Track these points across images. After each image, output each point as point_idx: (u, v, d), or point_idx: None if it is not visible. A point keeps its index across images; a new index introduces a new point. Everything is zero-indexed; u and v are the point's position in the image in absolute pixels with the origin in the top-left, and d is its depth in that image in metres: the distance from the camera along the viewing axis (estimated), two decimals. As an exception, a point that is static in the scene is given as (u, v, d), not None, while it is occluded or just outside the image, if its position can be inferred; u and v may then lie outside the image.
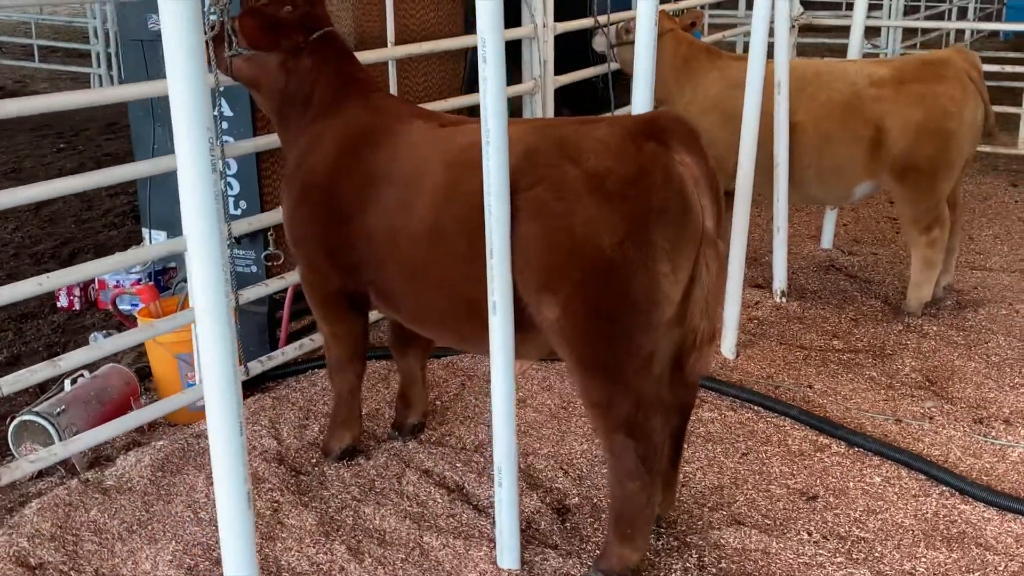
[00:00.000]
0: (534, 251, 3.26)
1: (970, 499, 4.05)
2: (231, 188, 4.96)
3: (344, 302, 3.98)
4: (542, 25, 5.89)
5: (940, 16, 13.79)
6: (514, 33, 5.85)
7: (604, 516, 3.91)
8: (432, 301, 3.64)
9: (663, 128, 3.24)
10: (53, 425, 4.16)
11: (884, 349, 5.45)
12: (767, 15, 5.07)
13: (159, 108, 5.24)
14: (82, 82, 14.42)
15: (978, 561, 3.65)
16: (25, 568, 3.50)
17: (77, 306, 6.25)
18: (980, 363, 5.26)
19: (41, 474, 4.20)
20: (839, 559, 3.66)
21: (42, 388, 4.81)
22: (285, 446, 4.33)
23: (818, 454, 4.38)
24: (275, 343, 5.04)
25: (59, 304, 6.30)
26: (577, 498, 4.04)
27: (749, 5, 9.26)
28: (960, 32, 13.97)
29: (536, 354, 3.71)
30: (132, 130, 5.48)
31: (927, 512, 3.97)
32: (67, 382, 4.44)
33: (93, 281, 6.23)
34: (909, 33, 13.22)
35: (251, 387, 4.78)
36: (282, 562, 3.59)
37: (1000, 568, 3.61)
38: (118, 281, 6.02)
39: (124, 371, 4.65)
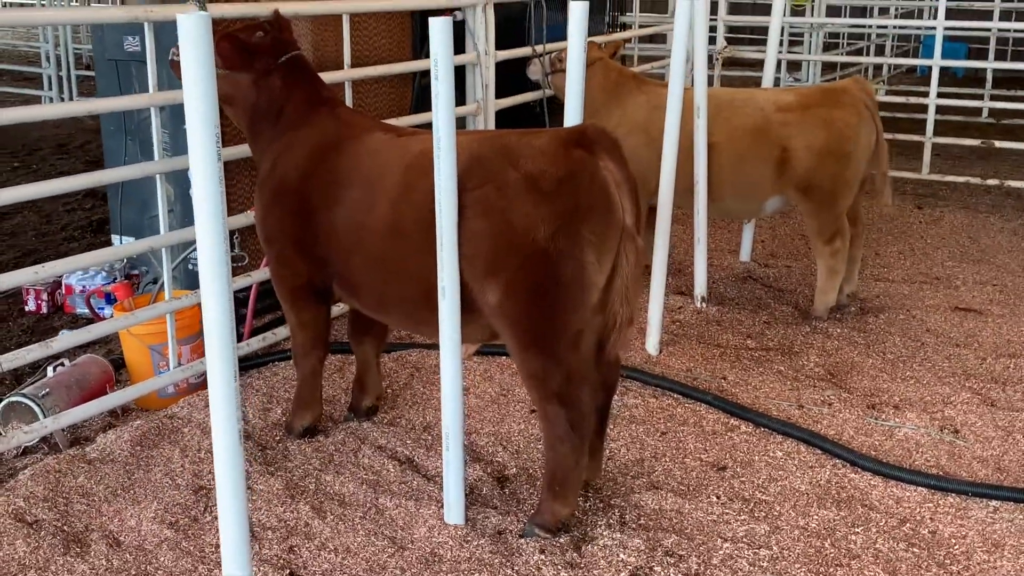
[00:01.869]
0: (480, 242, 3.78)
1: (859, 469, 4.61)
2: (199, 195, 5.41)
3: (310, 293, 4.47)
4: (484, 52, 6.43)
5: (859, 52, 14.64)
6: (459, 59, 6.38)
7: (539, 483, 4.43)
8: (391, 289, 4.14)
9: (590, 138, 3.79)
10: (39, 405, 4.57)
11: (792, 348, 6.04)
12: (684, 45, 5.67)
13: (131, 123, 5.70)
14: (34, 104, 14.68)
15: (863, 518, 4.21)
16: (23, 523, 3.92)
17: (45, 309, 6.62)
18: (877, 359, 5.87)
19: (26, 451, 4.61)
20: (742, 517, 4.20)
21: (17, 379, 5.22)
22: (251, 425, 4.79)
23: (729, 433, 4.93)
24: (239, 337, 5.49)
25: (27, 308, 6.67)
26: (515, 469, 4.55)
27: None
28: (878, 67, 14.80)
29: (480, 336, 4.21)
30: (104, 143, 5.92)
31: (821, 480, 4.53)
32: (49, 369, 4.85)
33: (60, 286, 6.62)
34: (829, 67, 14.02)
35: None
36: (253, 520, 4.05)
37: (881, 524, 4.17)
38: (84, 286, 6.42)
39: (100, 360, 5.07)
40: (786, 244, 8.31)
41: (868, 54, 14.93)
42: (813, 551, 3.97)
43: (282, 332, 5.44)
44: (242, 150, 5.14)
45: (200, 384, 5.15)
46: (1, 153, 11.72)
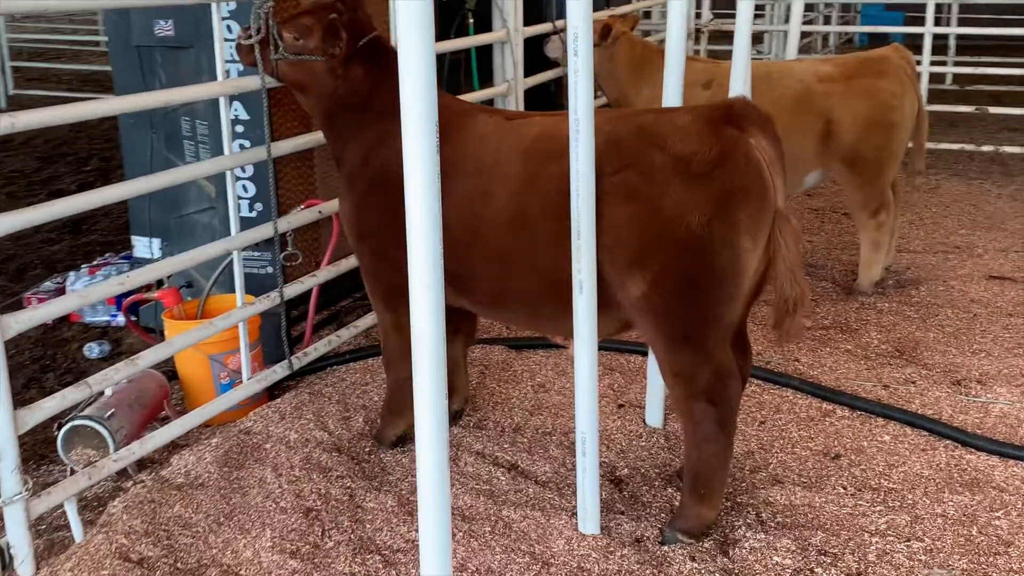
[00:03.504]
0: (623, 231, 3.51)
1: (973, 450, 4.48)
2: (245, 191, 5.03)
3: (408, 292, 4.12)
4: (514, 29, 6.12)
5: (809, 23, 14.64)
6: (487, 38, 6.07)
7: (656, 483, 4.19)
8: (512, 283, 3.84)
9: (739, 114, 3.54)
10: (106, 428, 4.16)
11: (849, 325, 5.90)
12: (683, 17, 5.43)
13: (155, 115, 5.26)
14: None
15: (998, 501, 4.07)
16: (131, 563, 3.54)
17: (50, 321, 6.14)
18: (937, 333, 5.76)
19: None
20: (878, 507, 4.03)
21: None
22: (337, 437, 4.45)
23: (827, 419, 4.76)
24: (291, 343, 5.12)
25: (28, 318, 6.17)
26: (626, 469, 4.30)
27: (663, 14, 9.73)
28: (826, 37, 14.82)
29: (606, 331, 3.93)
30: (122, 138, 5.46)
31: (939, 463, 4.38)
32: (107, 390, 4.43)
33: (64, 292, 6.14)
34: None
35: (274, 385, 4.87)
36: (377, 541, 3.74)
37: (1019, 507, 4.04)
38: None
39: (156, 374, 4.66)
40: (799, 220, 8.18)
41: (823, 22, 14.96)
42: (964, 540, 3.82)
43: (345, 335, 5.07)
44: (294, 143, 4.78)
45: (261, 394, 4.78)
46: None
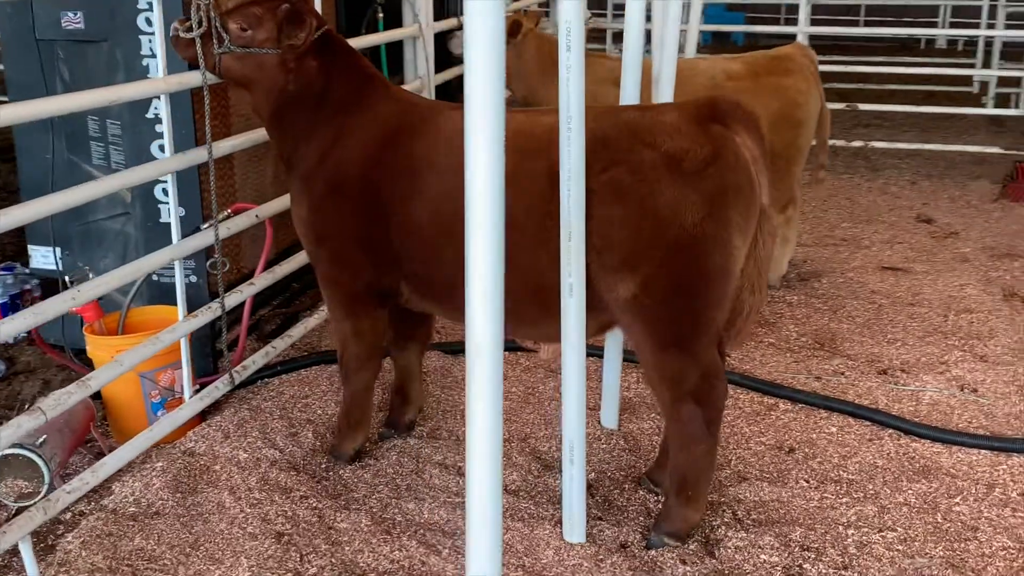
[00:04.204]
0: (615, 231, 3.42)
1: (916, 438, 4.59)
2: (166, 195, 4.70)
3: (371, 297, 3.94)
4: (425, 24, 5.96)
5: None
6: (400, 33, 5.88)
7: (625, 486, 4.13)
8: None
9: (724, 112, 3.50)
10: (40, 457, 3.81)
11: (766, 318, 5.98)
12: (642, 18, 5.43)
13: (57, 116, 4.86)
14: None
15: (953, 487, 4.18)
16: (102, 605, 3.24)
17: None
18: (850, 324, 5.91)
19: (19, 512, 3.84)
20: (844, 499, 4.08)
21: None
22: (289, 454, 4.21)
23: (771, 413, 4.80)
24: (216, 357, 4.83)
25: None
26: (593, 473, 4.22)
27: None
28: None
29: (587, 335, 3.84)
30: (16, 140, 5.03)
31: (889, 452, 4.48)
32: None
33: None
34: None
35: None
36: (360, 563, 3.54)
37: (973, 492, 4.15)
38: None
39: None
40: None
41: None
42: (932, 527, 3.90)
43: (281, 345, 4.80)
44: (232, 143, 4.50)
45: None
46: None
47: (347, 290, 3.94)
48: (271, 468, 4.06)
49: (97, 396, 4.50)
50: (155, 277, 4.74)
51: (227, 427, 4.34)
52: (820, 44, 14.89)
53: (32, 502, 3.83)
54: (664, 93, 5.99)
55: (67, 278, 4.44)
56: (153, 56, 4.50)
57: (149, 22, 4.48)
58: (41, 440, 3.89)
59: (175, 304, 4.60)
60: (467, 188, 2.30)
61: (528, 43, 6.47)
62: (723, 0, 16.94)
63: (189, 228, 4.61)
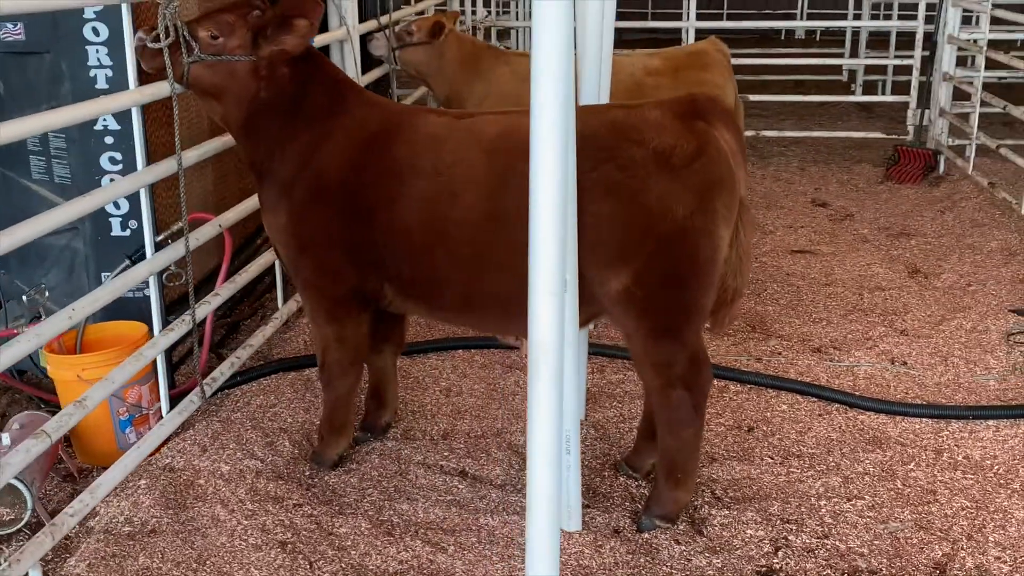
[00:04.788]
0: (607, 226, 3.53)
1: (860, 410, 4.85)
2: (118, 208, 4.60)
3: (354, 302, 3.95)
4: (352, 27, 5.95)
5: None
6: (328, 37, 5.87)
7: (605, 473, 4.26)
8: (485, 284, 3.75)
9: (704, 109, 3.65)
10: (22, 483, 3.71)
11: (696, 305, 6.19)
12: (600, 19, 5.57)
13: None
14: None
15: (906, 455, 4.45)
16: (123, 627, 3.18)
17: None
18: (775, 306, 6.18)
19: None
20: (809, 472, 4.29)
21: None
22: (271, 464, 4.19)
23: (723, 395, 5.00)
24: (173, 370, 4.75)
25: None
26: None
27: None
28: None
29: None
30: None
31: (839, 425, 4.72)
32: (3, 436, 3.93)
33: None
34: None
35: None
36: (370, 567, 3.56)
37: (924, 458, 4.42)
38: None
39: (46, 417, 4.17)
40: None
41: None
42: (895, 494, 4.14)
43: (244, 355, 4.75)
44: (198, 153, 4.43)
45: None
46: None
47: (331, 295, 3.94)
48: (257, 478, 4.04)
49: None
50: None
51: (202, 440, 4.29)
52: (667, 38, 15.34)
53: (14, 529, 3.74)
54: (589, 91, 6.17)
55: (24, 297, 4.31)
56: (101, 67, 4.40)
57: (96, 32, 4.38)
58: (20, 465, 3.78)
59: (128, 319, 4.54)
60: (532, 192, 2.37)
61: (449, 43, 6.53)
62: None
63: (141, 242, 4.54)
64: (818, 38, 17.45)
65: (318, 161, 3.83)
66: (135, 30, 3.89)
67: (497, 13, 11.23)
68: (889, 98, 10.72)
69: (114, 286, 3.72)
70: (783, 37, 17.73)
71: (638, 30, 15.34)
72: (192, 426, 4.40)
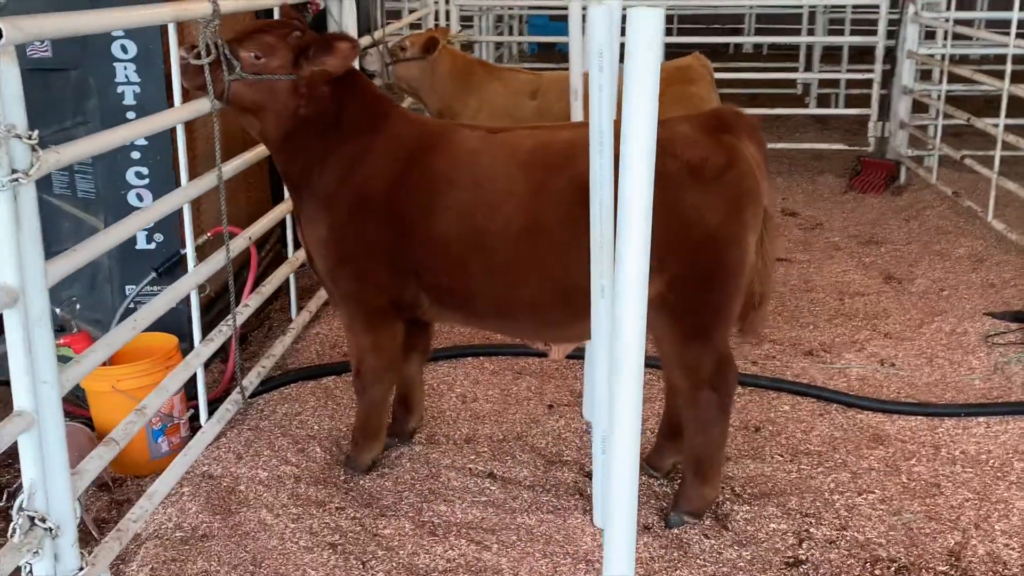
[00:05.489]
0: None
1: (859, 410, 5.08)
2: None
3: (392, 312, 4.08)
4: (352, 43, 6.07)
5: (500, 33, 15.36)
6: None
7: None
8: (522, 292, 3.91)
9: (730, 122, 3.85)
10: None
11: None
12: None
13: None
14: None
15: (907, 452, 4.68)
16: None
17: None
18: (762, 312, 6.40)
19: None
20: (819, 469, 4.50)
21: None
22: (306, 469, 4.29)
23: (727, 397, 5.19)
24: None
25: None
26: (591, 464, 4.49)
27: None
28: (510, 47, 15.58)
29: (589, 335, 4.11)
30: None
31: (842, 424, 4.95)
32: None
33: None
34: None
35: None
36: (420, 566, 3.69)
37: (924, 454, 4.66)
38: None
39: (83, 428, 4.26)
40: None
41: (512, 33, 15.70)
42: (901, 488, 4.37)
43: (268, 364, 4.85)
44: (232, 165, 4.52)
45: (188, 436, 4.49)
46: None
47: (370, 305, 4.07)
48: (297, 484, 4.15)
49: (91, 425, 4.48)
50: (132, 305, 4.70)
51: (236, 448, 4.39)
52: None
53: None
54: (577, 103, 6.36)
55: (56, 310, 4.37)
56: (129, 83, 4.49)
57: (124, 49, 4.47)
58: (67, 474, 3.84)
59: (150, 331, 4.61)
60: (620, 203, 2.54)
61: (442, 58, 6.69)
62: (546, 12, 17.57)
63: (168, 254, 4.63)
64: (764, 52, 17.86)
65: (359, 175, 3.96)
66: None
67: (460, 28, 11.40)
68: (853, 111, 11.06)
69: (168, 297, 3.80)
70: (731, 51, 18.11)
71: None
72: (224, 435, 4.50)
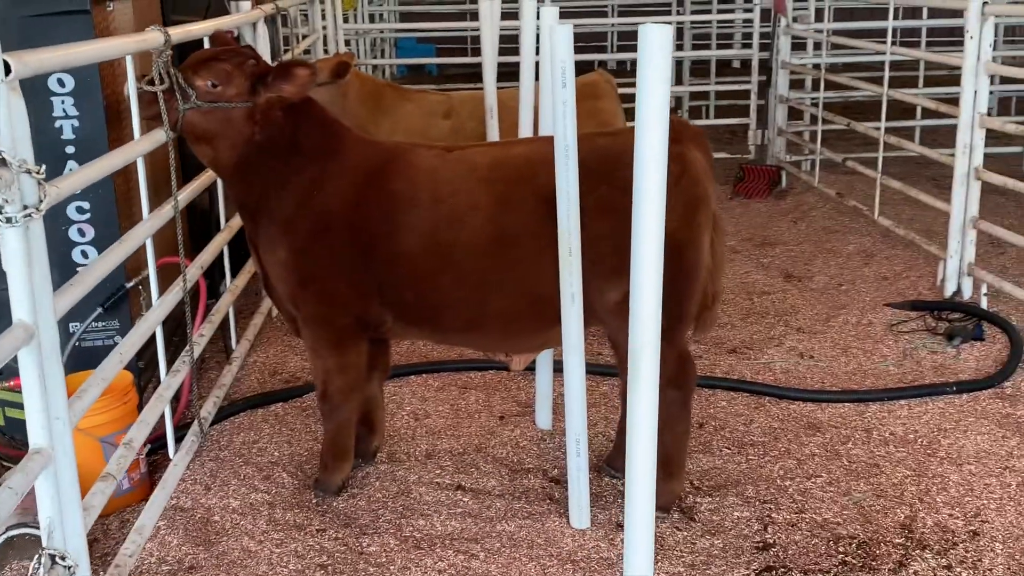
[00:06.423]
0: (606, 243, 3.87)
1: (789, 400, 5.34)
2: (85, 257, 4.60)
3: (358, 331, 4.12)
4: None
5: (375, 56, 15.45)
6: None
7: (590, 476, 4.56)
8: (492, 305, 4.01)
9: (678, 131, 4.04)
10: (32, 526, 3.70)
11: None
12: (532, 51, 5.94)
13: None
14: None
15: (841, 436, 4.95)
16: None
17: None
18: (680, 316, 6.65)
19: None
20: (766, 459, 4.73)
21: None
22: (277, 495, 4.29)
23: (665, 398, 5.39)
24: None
25: None
26: (555, 470, 4.61)
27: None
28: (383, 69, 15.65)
29: (554, 342, 4.24)
30: None
31: (777, 415, 5.20)
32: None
33: None
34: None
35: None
36: (414, 579, 3.75)
37: (858, 438, 4.93)
38: None
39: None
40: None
41: (384, 56, 15.79)
42: (844, 470, 4.63)
43: (221, 394, 4.81)
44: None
45: (147, 472, 4.43)
46: None
47: (335, 325, 4.10)
48: (272, 510, 4.15)
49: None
50: (77, 343, 4.61)
51: (203, 479, 4.35)
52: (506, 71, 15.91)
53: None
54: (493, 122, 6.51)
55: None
56: (67, 117, 4.42)
57: (61, 83, 4.40)
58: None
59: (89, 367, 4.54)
60: (635, 213, 2.68)
61: (352, 83, 6.72)
62: (413, 35, 17.70)
63: (112, 288, 4.57)
64: (629, 68, 18.35)
65: (319, 198, 4.00)
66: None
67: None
68: (724, 121, 11.52)
69: (142, 330, 3.76)
70: (595, 67, 18.52)
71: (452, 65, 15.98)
72: (188, 467, 4.45)
